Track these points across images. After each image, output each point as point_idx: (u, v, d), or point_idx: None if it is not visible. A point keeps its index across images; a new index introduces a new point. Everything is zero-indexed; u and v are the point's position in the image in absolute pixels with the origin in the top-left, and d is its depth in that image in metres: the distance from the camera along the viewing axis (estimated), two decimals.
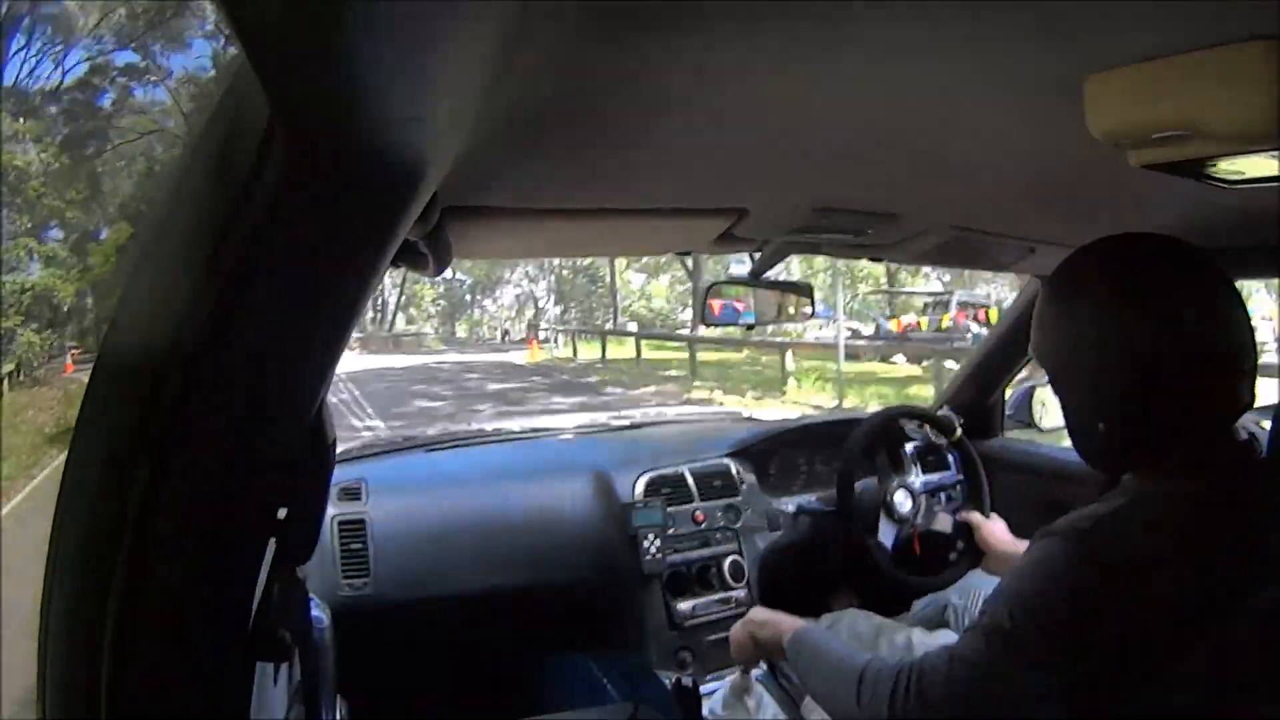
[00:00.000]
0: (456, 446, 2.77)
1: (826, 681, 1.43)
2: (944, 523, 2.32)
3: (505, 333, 46.83)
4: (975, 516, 2.19)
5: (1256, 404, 1.23)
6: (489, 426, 2.99)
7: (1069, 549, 1.16)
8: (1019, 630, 1.16)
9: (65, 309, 22.78)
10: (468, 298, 49.20)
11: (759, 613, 1.74)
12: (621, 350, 25.27)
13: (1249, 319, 1.22)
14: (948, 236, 1.85)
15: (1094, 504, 1.22)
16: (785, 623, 1.61)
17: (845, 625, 2.07)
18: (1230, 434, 1.23)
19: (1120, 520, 1.18)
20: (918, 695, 1.23)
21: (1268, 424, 1.21)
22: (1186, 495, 1.18)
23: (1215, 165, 1.07)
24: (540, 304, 48.86)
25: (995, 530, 2.14)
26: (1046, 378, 1.33)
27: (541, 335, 38.98)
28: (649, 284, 42.85)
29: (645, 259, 35.74)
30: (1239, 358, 1.20)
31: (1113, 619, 1.12)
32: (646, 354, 23.97)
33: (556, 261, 42.79)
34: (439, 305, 48.74)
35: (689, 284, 37.34)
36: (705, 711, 2.00)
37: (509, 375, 22.43)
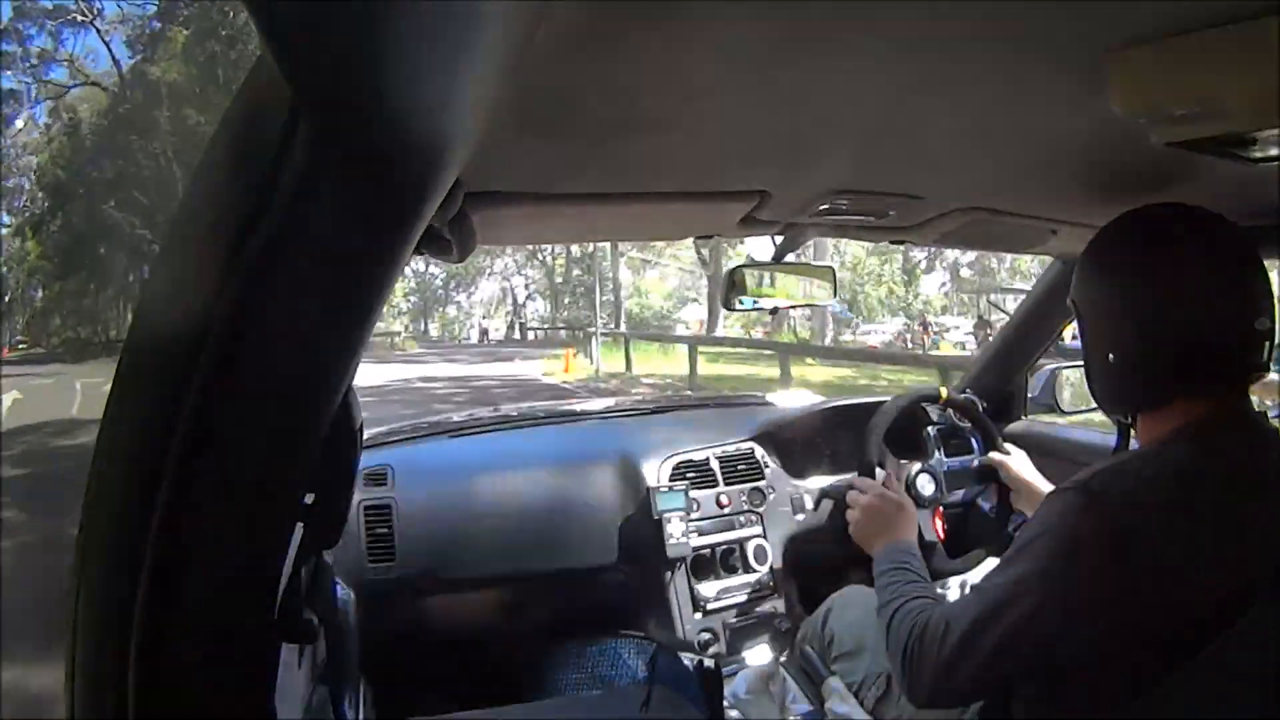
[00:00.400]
0: (483, 431, 2.78)
1: (879, 614, 1.48)
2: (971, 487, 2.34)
3: (484, 332, 43.18)
4: (996, 456, 2.18)
5: None
6: (514, 410, 2.97)
7: (1073, 501, 1.19)
8: (1015, 588, 1.20)
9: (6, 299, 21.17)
10: (440, 293, 46.34)
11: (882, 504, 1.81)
12: (640, 360, 20.42)
13: (1270, 290, 1.25)
14: (970, 218, 1.84)
15: (1100, 462, 1.27)
16: (882, 537, 1.71)
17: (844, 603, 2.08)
18: (1240, 402, 1.27)
19: (1124, 471, 1.23)
20: (919, 661, 1.29)
21: None
22: (1187, 459, 1.21)
23: (1238, 141, 1.07)
24: (521, 300, 44.62)
25: (1021, 463, 2.14)
26: (1068, 362, 1.36)
27: (527, 334, 34.57)
28: (638, 278, 38.81)
29: (635, 254, 33.91)
30: (1252, 322, 1.22)
31: (1114, 579, 1.14)
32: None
33: (549, 252, 39.87)
34: (411, 301, 45.80)
35: (686, 279, 35.63)
36: (727, 694, 2.01)
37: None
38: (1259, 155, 1.13)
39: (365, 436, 1.13)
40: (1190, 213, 1.26)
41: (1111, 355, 1.29)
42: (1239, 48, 0.89)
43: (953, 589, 2.25)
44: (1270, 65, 0.87)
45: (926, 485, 2.31)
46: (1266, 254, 1.30)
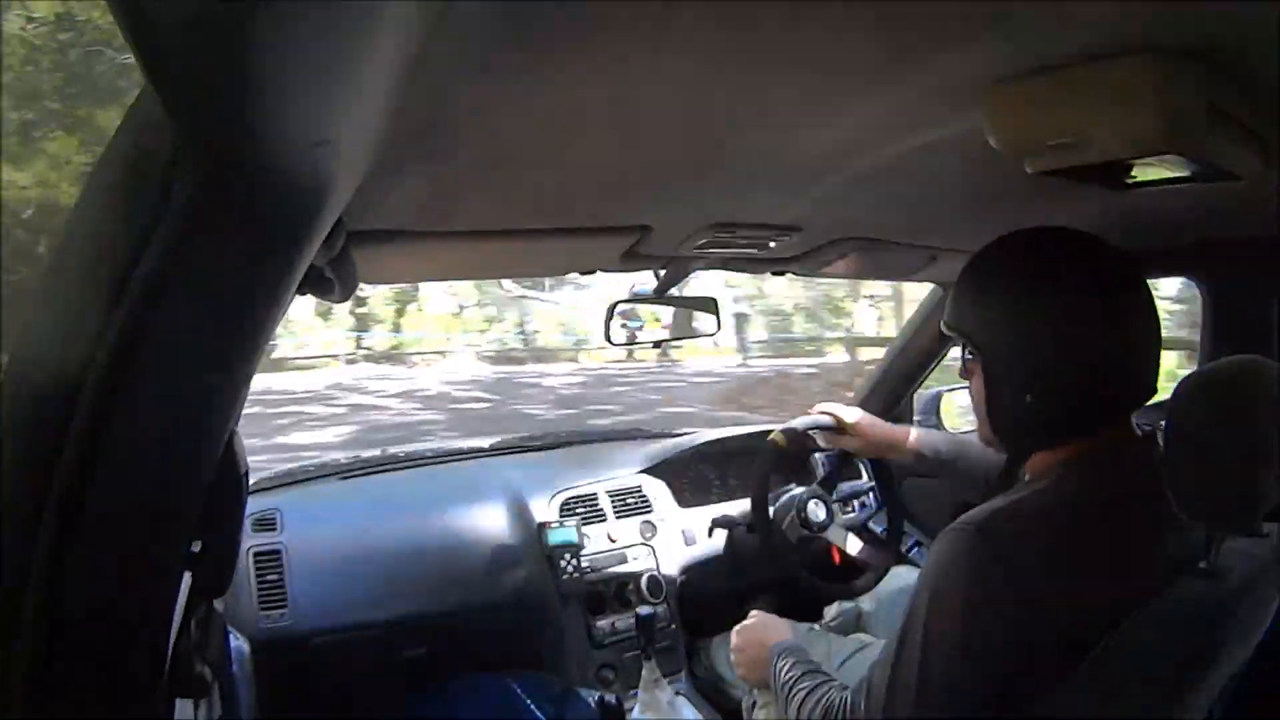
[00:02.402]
0: (371, 472, 2.72)
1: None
2: (853, 545, 2.34)
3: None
4: (832, 409, 2.25)
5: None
6: (402, 451, 2.93)
7: (967, 543, 1.21)
8: (924, 638, 1.21)
9: None
10: None
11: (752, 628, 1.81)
12: None
13: (1155, 311, 1.28)
14: (850, 248, 1.88)
15: (992, 500, 1.27)
16: (766, 642, 1.69)
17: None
18: (1126, 425, 1.30)
19: (1016, 512, 1.23)
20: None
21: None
22: (1077, 491, 1.24)
23: (1107, 170, 1.11)
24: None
25: (859, 418, 2.21)
26: (949, 386, 1.38)
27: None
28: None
29: None
30: (1143, 345, 1.26)
31: (1012, 614, 1.16)
32: None
33: None
34: None
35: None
36: None
37: None
38: (1126, 182, 1.18)
39: (252, 480, 1.11)
40: (1081, 240, 1.28)
41: (1030, 397, 1.27)
42: (1110, 82, 0.93)
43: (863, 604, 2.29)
44: (1138, 98, 0.92)
45: (817, 510, 2.33)
46: (1149, 274, 1.34)
